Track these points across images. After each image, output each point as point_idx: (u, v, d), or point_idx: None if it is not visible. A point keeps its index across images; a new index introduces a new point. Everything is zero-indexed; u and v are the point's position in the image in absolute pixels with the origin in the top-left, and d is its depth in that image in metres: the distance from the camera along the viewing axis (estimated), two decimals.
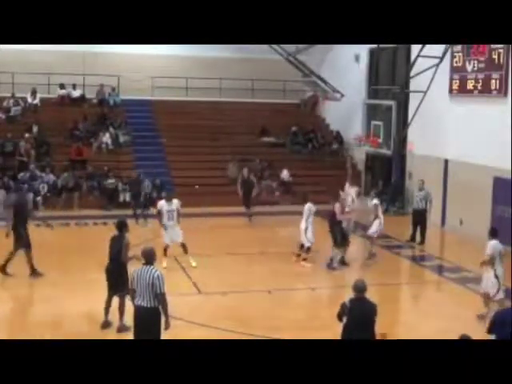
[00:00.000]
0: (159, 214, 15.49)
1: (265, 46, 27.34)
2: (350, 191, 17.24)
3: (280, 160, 26.25)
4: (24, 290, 14.08)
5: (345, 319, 8.25)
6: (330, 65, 28.10)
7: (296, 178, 25.11)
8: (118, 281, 11.12)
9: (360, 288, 8.34)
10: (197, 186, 24.32)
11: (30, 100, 26.41)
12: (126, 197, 23.28)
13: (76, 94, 27.44)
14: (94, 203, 22.94)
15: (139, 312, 8.99)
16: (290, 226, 17.65)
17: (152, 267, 9.06)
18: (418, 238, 18.75)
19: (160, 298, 8.88)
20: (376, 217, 16.49)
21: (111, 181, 23.40)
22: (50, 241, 18.30)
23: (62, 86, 27.18)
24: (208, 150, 25.93)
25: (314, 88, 27.79)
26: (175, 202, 15.53)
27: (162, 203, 15.56)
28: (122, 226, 11.57)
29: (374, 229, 16.45)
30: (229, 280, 14.61)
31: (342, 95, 26.27)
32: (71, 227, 20.15)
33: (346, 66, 26.97)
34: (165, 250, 15.28)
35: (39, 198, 22.19)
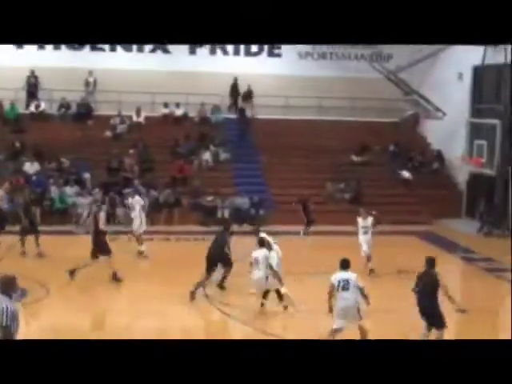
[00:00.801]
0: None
1: (365, 64, 27.26)
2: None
3: (377, 180, 26.01)
4: (124, 303, 14.53)
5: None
6: (432, 83, 27.60)
7: (392, 198, 24.77)
8: None
9: (431, 262, 10.94)
10: (294, 203, 24.39)
11: (135, 118, 27.36)
12: (224, 213, 23.68)
13: (179, 112, 28.19)
14: (193, 219, 23.43)
15: None
16: (391, 246, 17.40)
17: (5, 297, 7.74)
18: None
19: (6, 332, 7.58)
20: None
21: (210, 198, 23.85)
22: (152, 254, 18.85)
23: (165, 105, 28.01)
24: (306, 168, 25.99)
25: (414, 106, 27.40)
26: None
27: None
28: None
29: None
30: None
31: (444, 114, 25.78)
32: (171, 242, 20.65)
33: (449, 83, 26.44)
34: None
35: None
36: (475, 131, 24.21)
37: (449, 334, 12.98)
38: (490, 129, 23.00)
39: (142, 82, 26.93)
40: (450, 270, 15.98)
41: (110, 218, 22.83)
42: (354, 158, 26.96)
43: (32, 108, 27.08)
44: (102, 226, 15.63)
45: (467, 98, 25.89)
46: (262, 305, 13.67)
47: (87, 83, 27.60)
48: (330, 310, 10.97)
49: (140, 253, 17.95)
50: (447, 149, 27.10)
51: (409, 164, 27.23)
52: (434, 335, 10.46)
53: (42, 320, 13.53)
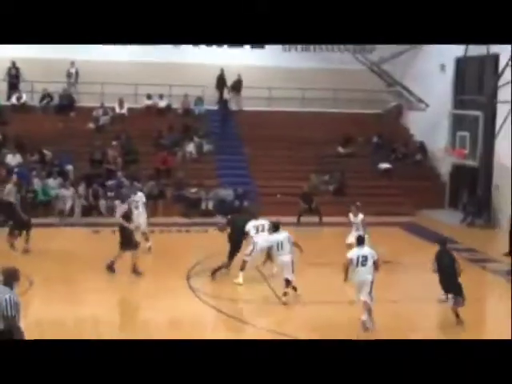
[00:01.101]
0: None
1: (348, 56, 27.27)
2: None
3: (361, 171, 26.11)
4: (115, 295, 14.50)
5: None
6: (415, 74, 27.68)
7: (376, 189, 24.87)
8: None
9: (443, 242, 12.83)
10: (279, 195, 24.43)
11: (117, 110, 27.20)
12: (208, 205, 23.68)
13: (162, 104, 28.08)
14: (177, 211, 23.39)
15: None
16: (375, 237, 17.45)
17: (7, 288, 8.09)
18: None
19: (8, 321, 7.89)
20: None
21: (194, 190, 23.80)
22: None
23: (148, 97, 27.88)
24: (290, 160, 26.00)
25: (397, 98, 27.48)
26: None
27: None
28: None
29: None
30: (311, 290, 14.57)
31: (427, 105, 25.87)
32: (155, 234, 20.57)
33: (431, 75, 26.54)
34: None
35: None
36: (458, 123, 24.31)
37: (437, 319, 13.11)
38: (472, 120, 23.10)
39: (124, 73, 26.76)
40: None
41: (93, 211, 22.91)
42: (340, 150, 27.01)
43: (13, 100, 26.80)
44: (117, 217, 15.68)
45: (450, 89, 26.03)
46: (295, 289, 13.82)
47: (69, 74, 27.36)
48: (345, 279, 12.12)
49: (149, 249, 17.64)
50: (430, 140, 27.23)
51: (392, 155, 27.33)
52: (450, 301, 12.37)
53: (26, 312, 13.44)
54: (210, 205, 23.75)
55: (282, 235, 13.97)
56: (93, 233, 19.94)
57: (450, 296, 12.50)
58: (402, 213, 23.82)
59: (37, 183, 23.10)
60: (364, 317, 11.84)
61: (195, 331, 11.66)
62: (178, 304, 14.03)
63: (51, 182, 23.21)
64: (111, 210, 21.39)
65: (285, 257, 13.79)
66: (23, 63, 26.47)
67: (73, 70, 27.30)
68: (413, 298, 14.37)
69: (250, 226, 15.06)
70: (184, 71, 27.52)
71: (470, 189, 24.58)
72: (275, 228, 14.27)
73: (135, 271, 15.37)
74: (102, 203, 22.63)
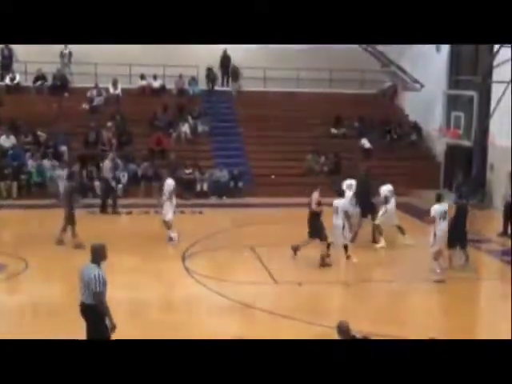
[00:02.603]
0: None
1: None
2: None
3: (355, 152, 26.09)
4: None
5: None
6: (410, 54, 27.57)
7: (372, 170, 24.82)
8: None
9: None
10: (273, 176, 24.43)
11: (111, 90, 27.06)
12: (203, 186, 23.67)
13: (156, 84, 27.95)
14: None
15: (80, 307, 8.77)
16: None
17: (95, 265, 8.67)
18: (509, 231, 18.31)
19: (97, 297, 8.53)
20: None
21: (189, 171, 23.77)
22: (130, 228, 18.82)
23: (142, 77, 27.74)
24: (285, 141, 25.95)
25: (392, 78, 27.42)
26: None
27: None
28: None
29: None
30: (304, 271, 14.64)
31: (422, 85, 25.82)
32: (151, 215, 20.57)
33: (427, 55, 26.43)
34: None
35: (120, 187, 22.78)
36: (452, 103, 24.31)
37: (427, 299, 13.20)
38: (467, 100, 23.10)
39: (118, 53, 26.58)
40: (426, 240, 16.08)
41: (88, 192, 22.87)
42: (332, 131, 26.98)
43: (7, 81, 26.65)
44: (313, 206, 15.16)
45: (445, 69, 25.95)
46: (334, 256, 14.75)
47: (63, 55, 27.19)
48: (435, 235, 14.30)
49: (170, 239, 16.78)
50: (425, 120, 27.19)
51: (387, 136, 27.28)
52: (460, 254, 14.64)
53: (21, 294, 13.50)
54: (205, 186, 23.75)
55: (339, 202, 14.78)
56: (88, 214, 19.91)
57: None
58: (397, 193, 23.80)
59: (31, 164, 23.05)
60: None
61: (191, 313, 11.70)
62: (172, 285, 14.09)
63: (46, 163, 23.17)
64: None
65: (334, 221, 14.60)
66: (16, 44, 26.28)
67: (66, 51, 27.12)
68: (408, 277, 14.45)
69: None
70: (178, 51, 27.32)
71: (465, 169, 24.61)
72: (339, 194, 15.36)
73: (323, 263, 14.92)
74: (97, 184, 22.59)
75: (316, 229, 14.94)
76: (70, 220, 16.06)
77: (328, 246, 14.98)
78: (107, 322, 8.50)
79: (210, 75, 28.27)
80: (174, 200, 17.10)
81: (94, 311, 8.50)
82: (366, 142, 26.20)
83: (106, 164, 21.14)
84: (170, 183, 17.10)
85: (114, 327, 8.50)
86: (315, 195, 15.21)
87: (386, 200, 16.98)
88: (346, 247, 14.69)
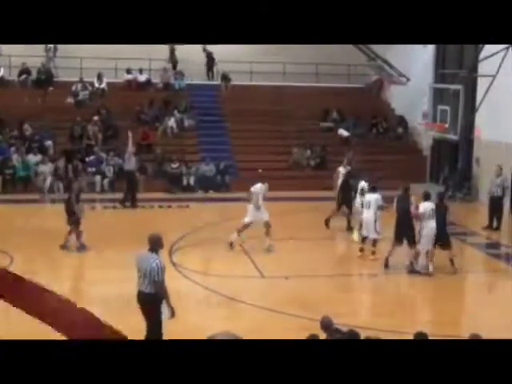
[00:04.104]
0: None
1: None
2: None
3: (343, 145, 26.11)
4: (78, 270, 14.46)
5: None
6: (396, 48, 27.57)
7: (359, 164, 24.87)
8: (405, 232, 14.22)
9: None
10: (260, 170, 24.33)
11: (97, 84, 26.90)
12: (189, 181, 23.60)
13: (142, 78, 27.82)
14: (159, 186, 23.28)
15: (138, 296, 9.07)
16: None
17: (154, 254, 9.02)
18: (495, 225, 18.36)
19: (158, 285, 8.86)
20: None
21: (175, 165, 23.70)
22: (115, 222, 18.72)
23: (128, 71, 27.60)
24: (271, 135, 25.94)
25: (379, 72, 27.41)
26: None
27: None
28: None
29: None
30: (291, 264, 14.64)
31: (408, 79, 25.84)
32: (137, 210, 20.48)
33: (413, 49, 26.47)
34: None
35: (105, 181, 22.68)
36: (438, 96, 24.36)
37: (419, 290, 13.23)
38: (453, 94, 23.16)
39: (103, 47, 26.40)
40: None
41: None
42: (320, 124, 26.99)
43: None
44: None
45: (431, 63, 26.00)
46: (361, 250, 15.10)
47: (47, 49, 26.99)
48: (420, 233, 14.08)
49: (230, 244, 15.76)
50: (411, 114, 27.25)
51: (373, 130, 27.32)
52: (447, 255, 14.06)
53: None
54: (192, 180, 23.69)
55: (371, 196, 15.27)
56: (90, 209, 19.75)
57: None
58: (384, 187, 23.85)
59: (16, 159, 22.88)
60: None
61: (177, 307, 11.65)
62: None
63: (31, 157, 23.01)
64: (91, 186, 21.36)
65: (365, 214, 15.17)
66: None
67: (51, 45, 26.91)
68: (396, 269, 14.49)
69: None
70: (163, 45, 27.24)
71: (451, 162, 24.69)
72: (371, 189, 15.70)
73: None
74: (83, 179, 22.43)
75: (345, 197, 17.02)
76: (77, 223, 15.16)
77: (363, 239, 15.36)
78: (165, 308, 8.88)
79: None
80: None
81: (153, 300, 8.84)
82: (343, 131, 26.38)
83: (129, 157, 20.97)
84: (259, 186, 16.29)
85: (173, 313, 8.92)
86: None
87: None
88: (375, 241, 15.04)
